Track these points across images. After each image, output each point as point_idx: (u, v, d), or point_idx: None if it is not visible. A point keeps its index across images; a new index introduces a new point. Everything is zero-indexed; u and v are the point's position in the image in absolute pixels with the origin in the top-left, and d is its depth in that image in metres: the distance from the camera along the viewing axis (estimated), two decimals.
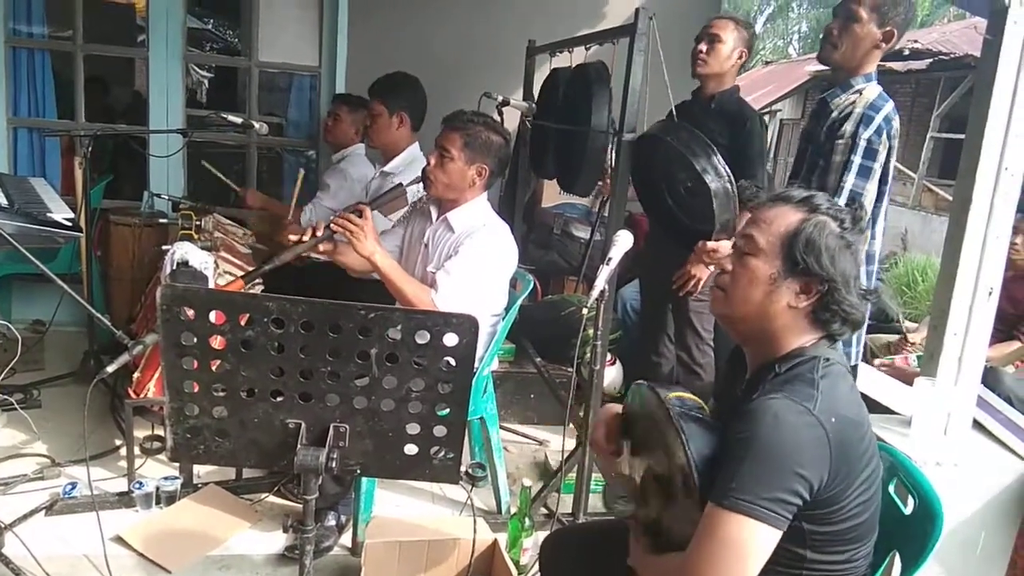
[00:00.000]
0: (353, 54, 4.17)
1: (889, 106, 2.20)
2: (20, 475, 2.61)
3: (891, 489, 1.57)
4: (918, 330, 3.77)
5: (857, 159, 2.14)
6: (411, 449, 1.47)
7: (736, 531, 1.18)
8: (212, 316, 1.37)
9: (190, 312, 1.37)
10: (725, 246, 2.38)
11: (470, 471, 2.86)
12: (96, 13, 4.24)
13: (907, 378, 2.63)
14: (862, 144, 2.14)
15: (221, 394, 1.42)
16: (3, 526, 2.22)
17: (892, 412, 2.48)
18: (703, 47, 2.83)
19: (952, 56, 10.50)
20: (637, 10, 2.47)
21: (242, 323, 1.37)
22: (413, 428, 1.45)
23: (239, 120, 3.47)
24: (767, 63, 21.74)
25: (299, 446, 1.41)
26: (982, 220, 2.22)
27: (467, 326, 1.36)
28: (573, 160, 3.17)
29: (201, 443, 1.46)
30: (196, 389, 1.42)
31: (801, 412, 1.22)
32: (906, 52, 10.60)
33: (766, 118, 16.22)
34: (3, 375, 2.97)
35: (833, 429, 1.22)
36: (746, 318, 1.38)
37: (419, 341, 1.37)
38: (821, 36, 2.36)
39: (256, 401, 1.42)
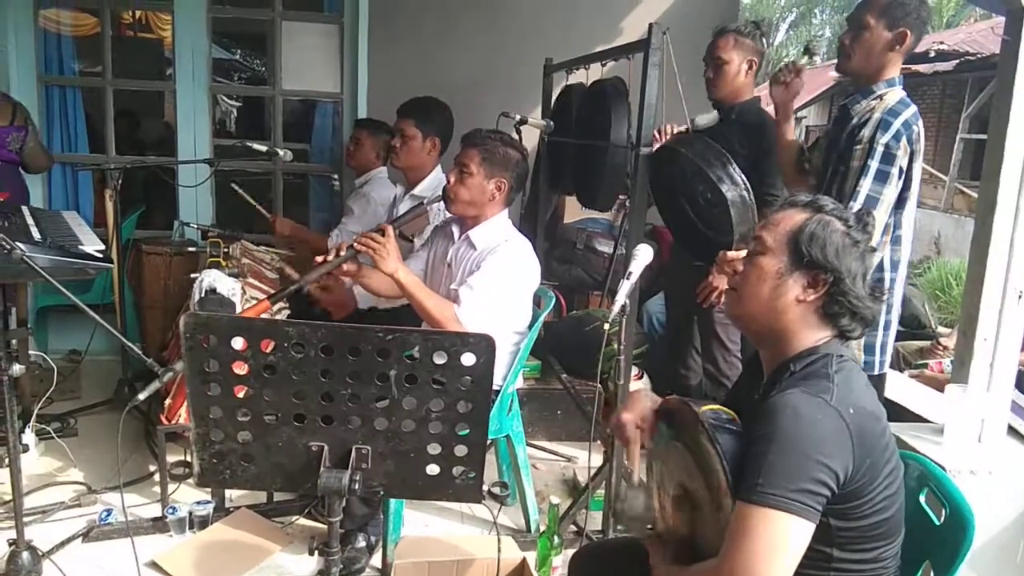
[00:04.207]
0: (373, 79, 4.24)
1: (910, 111, 2.18)
2: (57, 503, 2.66)
3: (922, 499, 1.55)
4: (951, 335, 3.70)
5: (874, 164, 2.12)
6: (433, 469, 1.47)
7: (768, 526, 1.18)
8: (235, 343, 1.40)
9: (213, 339, 1.39)
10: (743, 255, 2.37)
11: (493, 490, 2.86)
12: (124, 48, 4.37)
13: (940, 386, 2.58)
14: (879, 149, 2.12)
15: (245, 419, 1.44)
16: (41, 553, 2.27)
17: (924, 420, 2.44)
18: (710, 74, 2.84)
19: (979, 56, 10.35)
20: (651, 25, 2.48)
21: (264, 349, 1.40)
22: (434, 448, 1.46)
23: (264, 148, 3.53)
24: None
25: (322, 468, 1.43)
26: (1008, 222, 2.19)
27: (483, 345, 1.37)
28: (593, 176, 3.18)
29: (227, 468, 1.48)
30: (221, 415, 1.44)
31: (819, 404, 1.24)
32: (932, 54, 10.48)
33: None
34: (40, 404, 3.04)
35: (852, 420, 1.24)
36: (757, 315, 1.41)
37: (437, 361, 1.38)
38: (837, 47, 2.36)
39: (279, 425, 1.44)
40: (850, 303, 1.35)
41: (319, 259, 2.34)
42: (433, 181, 3.26)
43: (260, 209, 3.64)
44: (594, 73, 3.24)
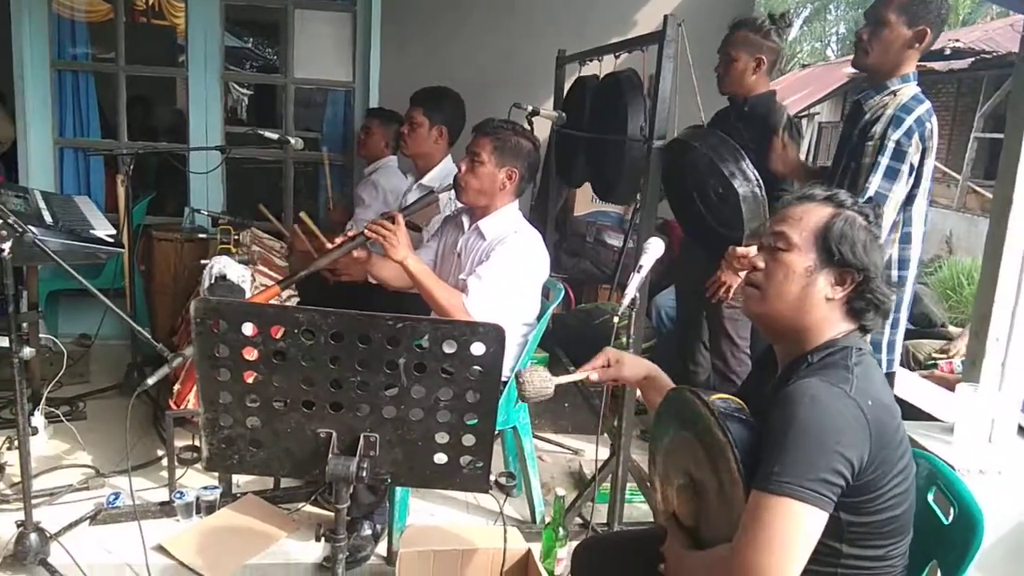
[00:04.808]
0: (385, 68, 4.23)
1: (923, 108, 2.16)
2: (66, 485, 2.67)
3: (930, 498, 1.54)
4: (962, 335, 3.68)
5: (884, 160, 2.10)
6: (440, 458, 1.48)
7: (783, 515, 1.18)
8: (245, 328, 1.40)
9: (223, 324, 1.39)
10: (754, 251, 2.36)
11: (500, 480, 2.86)
12: (137, 35, 4.36)
13: (949, 386, 2.57)
14: (890, 145, 2.10)
15: (254, 404, 1.44)
16: (49, 535, 2.28)
17: (934, 419, 2.43)
18: (720, 68, 2.83)
19: (995, 54, 10.27)
20: (666, 17, 2.46)
21: (274, 335, 1.40)
22: (442, 437, 1.46)
23: (275, 136, 3.53)
24: (804, 66, 21.49)
25: (330, 455, 1.43)
26: None
27: (493, 335, 1.37)
28: (611, 168, 3.16)
29: (235, 453, 1.48)
30: (230, 400, 1.44)
31: (838, 393, 1.24)
32: (947, 51, 10.40)
33: (804, 121, 16.08)
34: (50, 388, 3.06)
35: (870, 411, 1.24)
36: (782, 314, 1.40)
37: (447, 350, 1.38)
38: (853, 42, 2.34)
39: (288, 411, 1.44)
40: (876, 299, 1.36)
41: (329, 245, 2.35)
42: (442, 170, 3.25)
43: (280, 228, 3.59)
44: (607, 65, 3.22)
